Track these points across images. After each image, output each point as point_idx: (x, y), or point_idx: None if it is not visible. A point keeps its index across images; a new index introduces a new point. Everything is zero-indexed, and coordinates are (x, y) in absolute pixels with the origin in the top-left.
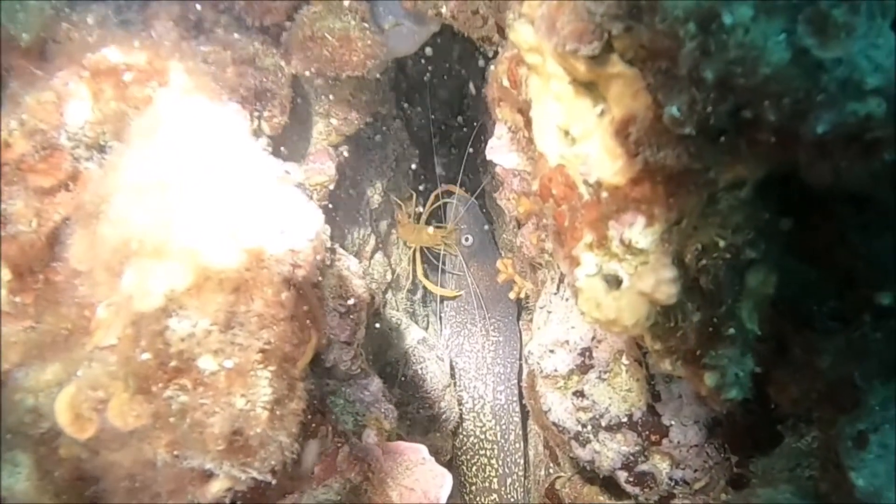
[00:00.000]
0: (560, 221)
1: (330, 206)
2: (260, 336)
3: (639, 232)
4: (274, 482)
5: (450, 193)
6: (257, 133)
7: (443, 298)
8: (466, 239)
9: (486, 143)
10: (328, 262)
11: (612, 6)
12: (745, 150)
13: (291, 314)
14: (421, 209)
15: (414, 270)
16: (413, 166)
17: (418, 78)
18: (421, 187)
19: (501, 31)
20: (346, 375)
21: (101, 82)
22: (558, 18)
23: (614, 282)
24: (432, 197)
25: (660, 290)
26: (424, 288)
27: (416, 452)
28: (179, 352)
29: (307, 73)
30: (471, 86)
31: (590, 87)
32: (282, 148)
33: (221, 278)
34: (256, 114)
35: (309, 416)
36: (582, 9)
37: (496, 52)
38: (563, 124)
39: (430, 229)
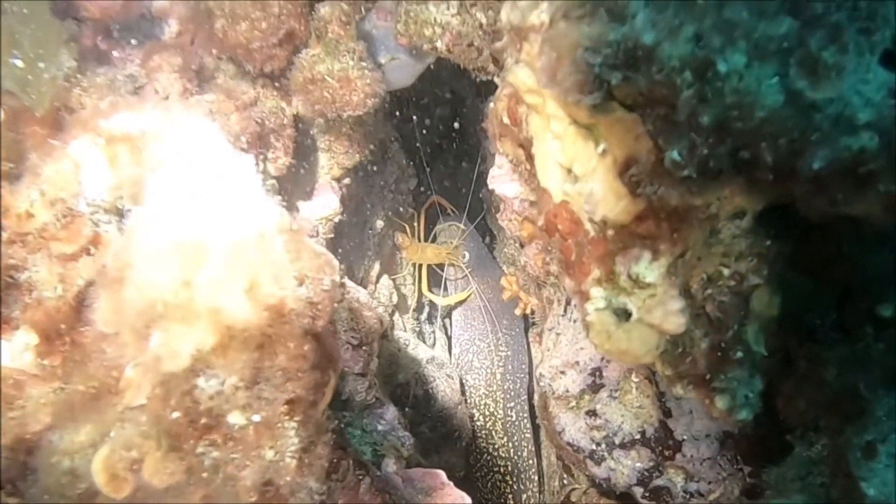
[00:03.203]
0: (567, 255)
1: (335, 237)
2: (285, 389)
3: (645, 266)
4: None
5: (443, 209)
6: (264, 176)
7: (449, 314)
8: (463, 256)
9: (481, 159)
10: (339, 298)
11: (610, 56)
12: (745, 187)
13: (313, 364)
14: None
15: (420, 287)
16: (412, 187)
17: (412, 98)
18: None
19: (496, 61)
20: (362, 406)
21: (116, 148)
22: (559, 70)
23: (623, 315)
24: (423, 210)
25: (668, 320)
26: (430, 304)
27: (434, 478)
28: (209, 409)
29: (309, 115)
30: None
31: (590, 128)
32: (288, 186)
33: (246, 336)
34: (261, 156)
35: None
36: (581, 60)
37: (491, 81)
38: (565, 163)
39: (434, 247)
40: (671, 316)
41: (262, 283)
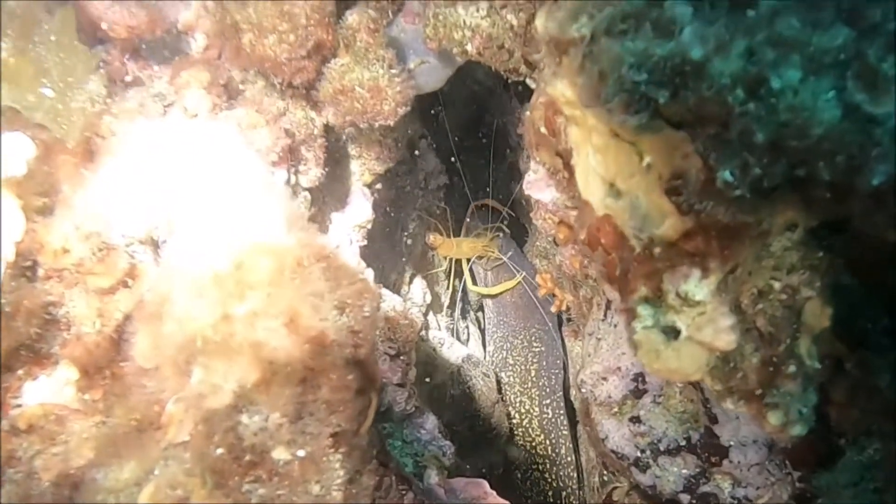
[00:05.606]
0: (611, 269)
1: (369, 242)
2: (329, 422)
3: (695, 285)
4: None
5: (485, 207)
6: (297, 188)
7: (481, 307)
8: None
9: (510, 151)
10: (380, 322)
11: (656, 73)
12: (800, 204)
13: (356, 392)
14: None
15: (455, 282)
16: (442, 184)
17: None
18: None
19: (528, 64)
20: (402, 416)
21: (149, 178)
22: (602, 89)
23: (672, 332)
24: (470, 210)
25: (719, 338)
26: (464, 299)
27: (477, 487)
28: (252, 445)
29: (340, 124)
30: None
31: (634, 143)
32: (320, 196)
33: (288, 371)
34: (293, 169)
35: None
36: (626, 78)
37: (523, 83)
38: (608, 177)
39: (469, 241)
40: (722, 333)
41: (303, 315)
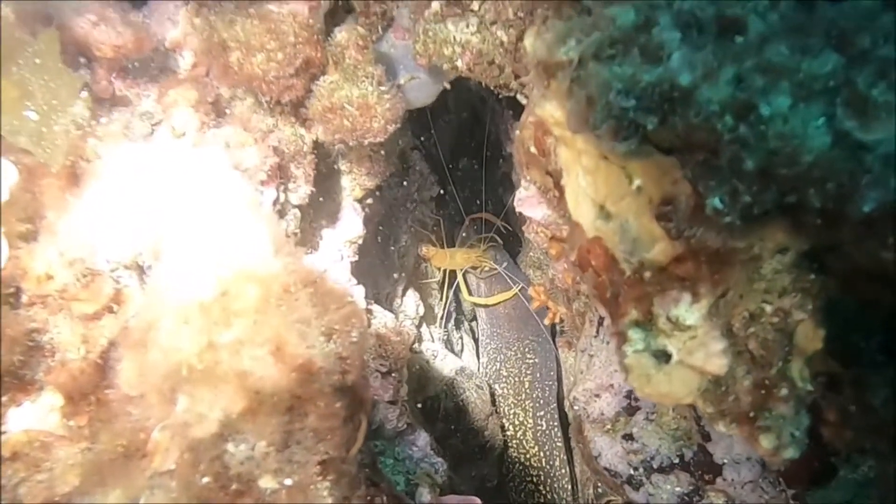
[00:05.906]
0: (601, 291)
1: (360, 257)
2: (317, 450)
3: (685, 309)
4: None
5: (479, 219)
6: (286, 206)
7: (475, 316)
8: (493, 257)
9: (503, 160)
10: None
11: (645, 99)
12: (790, 229)
13: (344, 419)
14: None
15: (448, 293)
16: (434, 194)
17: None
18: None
19: (519, 79)
20: (394, 433)
21: (133, 202)
22: (590, 115)
23: (663, 356)
24: (465, 224)
25: (710, 362)
26: (457, 310)
27: None
28: (239, 474)
29: (329, 141)
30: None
31: (623, 165)
32: (310, 213)
33: (275, 401)
34: (282, 187)
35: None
36: (614, 104)
37: (514, 97)
38: (597, 199)
39: (463, 251)
40: (713, 357)
41: (290, 342)
